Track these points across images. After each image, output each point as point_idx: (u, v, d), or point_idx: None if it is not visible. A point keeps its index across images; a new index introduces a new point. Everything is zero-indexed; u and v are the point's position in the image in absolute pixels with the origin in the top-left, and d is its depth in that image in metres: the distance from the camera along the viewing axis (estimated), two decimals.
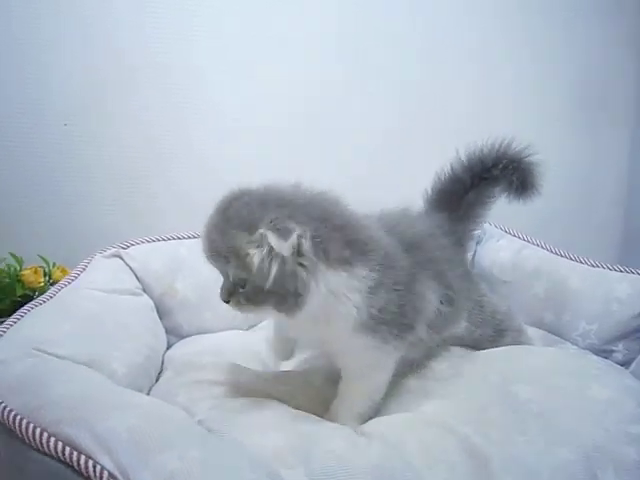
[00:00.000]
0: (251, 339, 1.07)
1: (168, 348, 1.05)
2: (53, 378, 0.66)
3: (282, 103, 1.43)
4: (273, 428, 0.73)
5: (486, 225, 1.32)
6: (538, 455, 0.69)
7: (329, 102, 1.47)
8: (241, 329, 1.14)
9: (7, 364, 0.69)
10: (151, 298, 1.07)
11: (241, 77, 1.41)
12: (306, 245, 0.68)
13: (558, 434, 0.72)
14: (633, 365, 1.01)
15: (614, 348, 1.06)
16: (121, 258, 1.07)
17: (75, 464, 0.56)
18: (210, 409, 0.78)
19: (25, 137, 1.33)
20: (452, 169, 1.03)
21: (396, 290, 0.76)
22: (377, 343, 0.78)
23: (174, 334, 1.09)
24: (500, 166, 0.99)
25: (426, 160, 1.49)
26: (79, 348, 0.78)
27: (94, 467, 0.55)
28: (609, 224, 1.62)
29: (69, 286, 0.96)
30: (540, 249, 1.24)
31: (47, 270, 1.21)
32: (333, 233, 0.72)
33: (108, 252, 1.07)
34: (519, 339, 1.04)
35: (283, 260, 0.68)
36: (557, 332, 1.14)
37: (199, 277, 1.12)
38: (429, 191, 1.06)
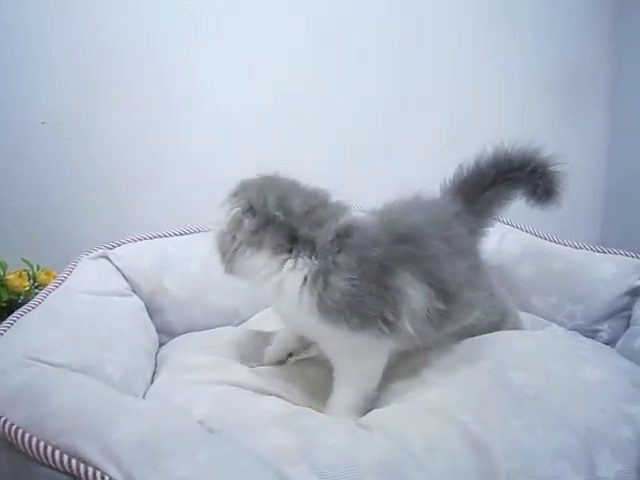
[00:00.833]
0: (243, 334, 1.06)
1: (160, 347, 1.05)
2: (52, 388, 0.65)
3: (268, 102, 1.43)
4: (273, 425, 0.74)
5: None
6: (536, 440, 0.70)
7: (315, 102, 1.46)
8: (232, 325, 1.14)
9: (3, 375, 0.68)
10: (141, 298, 1.05)
11: (229, 77, 1.40)
12: (246, 224, 0.80)
13: (555, 418, 0.74)
14: (619, 344, 1.04)
15: (600, 328, 1.09)
16: (108, 259, 1.06)
17: (82, 476, 0.55)
18: (208, 409, 0.78)
19: (8, 138, 1.30)
20: (476, 163, 1.02)
21: (350, 279, 0.76)
22: (345, 332, 0.78)
23: (165, 333, 1.08)
24: (528, 169, 0.99)
25: (413, 157, 1.53)
26: (73, 355, 0.77)
27: (102, 478, 0.55)
28: (590, 206, 1.65)
29: (57, 290, 0.94)
30: (524, 233, 1.26)
31: (31, 273, 1.19)
32: (281, 219, 0.80)
33: (94, 253, 1.05)
34: (517, 324, 1.06)
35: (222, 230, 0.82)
36: (544, 315, 1.16)
37: (188, 274, 1.11)
38: (449, 181, 1.05)
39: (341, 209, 0.85)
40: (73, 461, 0.56)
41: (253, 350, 0.98)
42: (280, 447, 0.69)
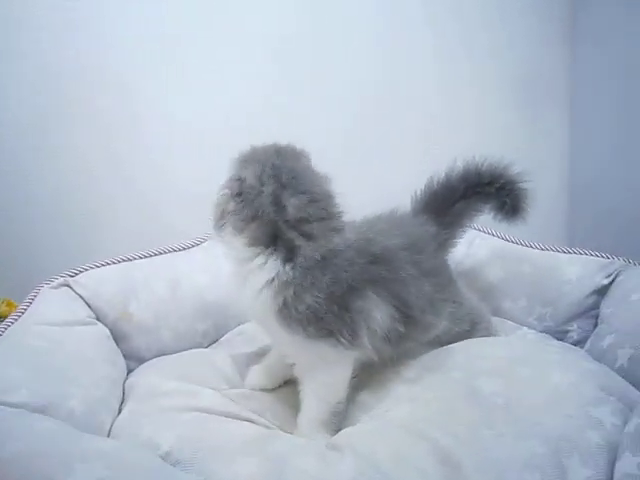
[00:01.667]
0: (213, 357, 1.04)
1: (128, 374, 1.03)
2: (6, 433, 0.63)
3: (235, 107, 1.41)
4: (243, 453, 0.72)
5: None
6: (507, 450, 0.70)
7: (286, 103, 1.45)
8: (202, 346, 1.12)
9: None
10: (105, 325, 1.03)
11: (204, 91, 1.39)
12: (232, 208, 0.80)
13: (524, 426, 0.74)
14: (588, 344, 1.05)
15: (569, 328, 1.10)
16: (70, 287, 1.03)
17: None
18: (176, 439, 0.76)
19: None
20: (447, 176, 1.05)
21: (318, 297, 0.77)
22: (302, 339, 0.79)
23: (133, 359, 1.06)
24: (497, 185, 1.01)
25: (387, 161, 1.53)
26: (33, 392, 0.74)
27: None
28: (555, 206, 1.67)
29: (16, 323, 0.91)
30: (492, 237, 1.26)
31: None
32: (271, 216, 0.79)
33: (56, 282, 1.02)
34: (489, 329, 1.07)
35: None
36: (515, 317, 1.17)
37: (154, 297, 1.09)
38: (419, 193, 1.07)
39: (336, 226, 0.82)
40: None
41: (223, 373, 0.97)
42: (250, 476, 0.68)
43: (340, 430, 0.82)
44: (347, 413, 0.86)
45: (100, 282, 1.06)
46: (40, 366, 0.82)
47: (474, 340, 0.99)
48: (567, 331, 1.10)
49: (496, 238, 1.25)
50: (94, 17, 1.29)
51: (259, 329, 0.94)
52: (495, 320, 1.14)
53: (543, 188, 1.60)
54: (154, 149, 1.39)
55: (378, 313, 0.82)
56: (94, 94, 1.32)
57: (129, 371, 1.03)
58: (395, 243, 0.87)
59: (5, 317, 1.03)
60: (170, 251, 1.17)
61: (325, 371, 0.83)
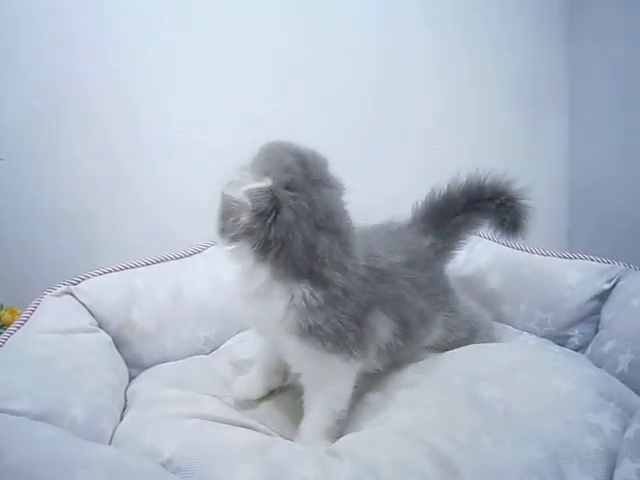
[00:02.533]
0: (215, 363, 1.05)
1: (130, 381, 1.03)
2: (9, 440, 0.63)
3: (235, 107, 1.43)
4: (242, 460, 0.72)
5: None
6: (506, 456, 0.70)
7: (286, 104, 1.46)
8: (203, 353, 1.13)
9: None
10: (108, 333, 1.03)
11: (200, 102, 1.41)
12: (246, 218, 0.74)
13: (523, 432, 0.74)
14: (589, 349, 1.05)
15: (570, 333, 1.10)
16: (72, 295, 1.04)
17: None
18: (178, 446, 0.76)
19: None
20: (449, 188, 1.05)
21: (342, 318, 0.79)
22: (314, 351, 0.80)
23: (135, 366, 1.06)
24: (497, 202, 1.02)
25: (387, 161, 1.54)
26: (35, 400, 0.75)
27: None
28: (556, 211, 1.67)
29: (19, 331, 0.92)
30: (492, 242, 1.27)
31: None
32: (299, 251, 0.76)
33: (58, 290, 1.03)
34: (491, 335, 1.07)
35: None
36: (516, 323, 1.17)
37: (156, 305, 1.10)
38: (420, 203, 1.08)
39: (355, 250, 0.83)
40: None
41: (224, 379, 0.97)
42: None
43: (341, 437, 0.82)
44: (348, 420, 0.86)
45: (102, 290, 1.06)
46: (42, 373, 0.82)
47: (475, 346, 0.99)
48: (568, 336, 1.09)
49: (497, 244, 1.25)
50: (93, 19, 1.31)
51: (262, 338, 0.94)
52: (497, 326, 1.14)
53: (543, 190, 1.62)
54: (153, 150, 1.40)
55: (382, 329, 0.86)
56: (92, 95, 1.34)
57: (131, 378, 1.04)
58: (394, 259, 0.90)
59: (8, 325, 1.04)
60: (171, 259, 1.18)
61: (334, 382, 0.84)
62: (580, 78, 1.62)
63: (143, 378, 1.03)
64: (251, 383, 0.94)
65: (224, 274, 1.17)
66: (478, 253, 1.25)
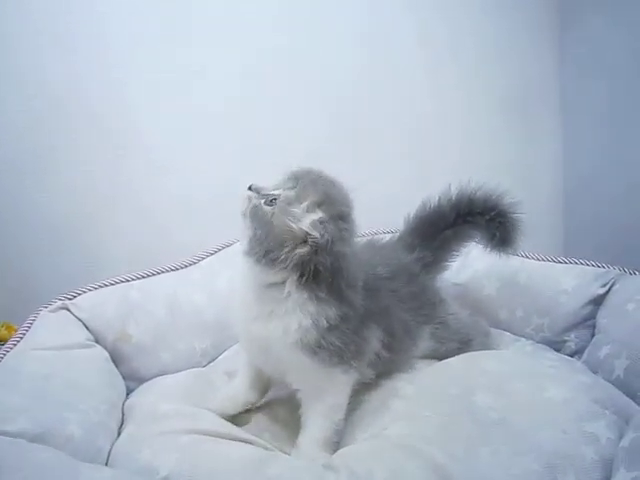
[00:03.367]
0: (212, 376, 1.05)
1: (128, 394, 1.03)
2: (5, 465, 0.63)
3: (234, 108, 1.43)
4: (240, 476, 0.73)
5: None
6: (501, 467, 0.71)
7: (286, 104, 1.47)
8: (200, 365, 1.13)
9: None
10: (104, 347, 1.03)
11: (191, 94, 1.40)
12: (305, 250, 0.75)
13: (519, 442, 0.74)
14: (585, 354, 1.05)
15: (567, 339, 1.10)
16: (68, 310, 1.04)
17: None
18: (175, 463, 0.76)
19: None
20: (439, 202, 1.05)
21: (351, 333, 0.81)
22: (317, 365, 0.81)
23: (133, 379, 1.06)
24: (487, 217, 1.01)
25: (374, 165, 1.54)
26: (31, 420, 0.75)
27: None
28: (550, 214, 1.67)
29: (15, 349, 0.92)
30: None
31: None
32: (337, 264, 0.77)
33: (54, 305, 1.03)
34: (487, 343, 1.07)
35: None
36: (512, 328, 1.17)
37: (152, 318, 1.10)
38: (411, 216, 1.09)
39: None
40: None
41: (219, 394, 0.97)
42: None
43: (338, 449, 0.82)
44: (345, 432, 0.86)
45: (98, 304, 1.06)
46: (39, 392, 0.82)
47: (470, 354, 0.99)
48: (565, 341, 1.09)
49: None
50: (93, 19, 1.30)
51: (248, 356, 0.94)
52: (494, 332, 1.14)
53: (539, 198, 1.63)
54: (153, 150, 1.40)
55: (375, 340, 0.88)
56: (92, 95, 1.34)
57: (129, 391, 1.04)
58: (380, 272, 0.92)
59: (5, 341, 1.04)
60: (167, 270, 1.18)
61: (332, 393, 0.85)
62: (571, 82, 1.62)
63: (141, 392, 1.03)
64: (232, 399, 0.93)
65: (220, 286, 1.17)
66: (474, 259, 1.25)
